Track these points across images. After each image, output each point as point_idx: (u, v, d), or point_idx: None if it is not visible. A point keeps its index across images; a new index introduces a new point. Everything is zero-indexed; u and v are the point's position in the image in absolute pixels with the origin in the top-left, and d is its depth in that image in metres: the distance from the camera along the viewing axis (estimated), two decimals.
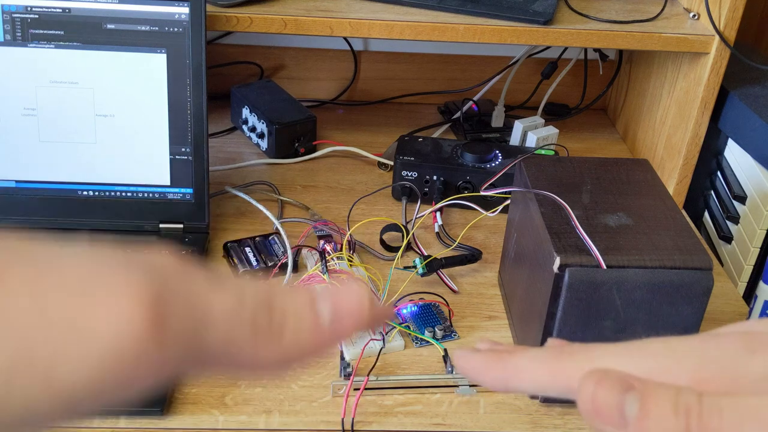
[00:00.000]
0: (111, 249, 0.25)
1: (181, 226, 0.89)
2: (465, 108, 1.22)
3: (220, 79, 1.23)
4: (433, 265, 0.84)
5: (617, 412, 0.24)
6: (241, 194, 0.96)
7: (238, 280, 0.27)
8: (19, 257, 0.22)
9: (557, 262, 0.63)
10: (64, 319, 0.21)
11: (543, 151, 1.05)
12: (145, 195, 0.89)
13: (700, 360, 0.26)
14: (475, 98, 1.23)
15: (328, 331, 0.25)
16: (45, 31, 0.83)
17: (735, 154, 1.01)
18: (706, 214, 1.07)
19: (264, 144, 1.10)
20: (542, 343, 0.67)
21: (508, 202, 0.86)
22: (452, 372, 0.73)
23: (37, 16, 0.82)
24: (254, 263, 0.85)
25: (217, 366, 0.24)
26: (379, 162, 1.10)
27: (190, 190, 0.89)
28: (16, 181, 0.87)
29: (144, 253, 0.25)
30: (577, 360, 0.27)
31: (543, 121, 1.15)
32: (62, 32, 0.83)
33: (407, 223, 0.95)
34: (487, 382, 0.29)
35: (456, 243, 0.91)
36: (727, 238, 1.01)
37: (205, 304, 0.23)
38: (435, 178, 1.00)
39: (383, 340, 0.76)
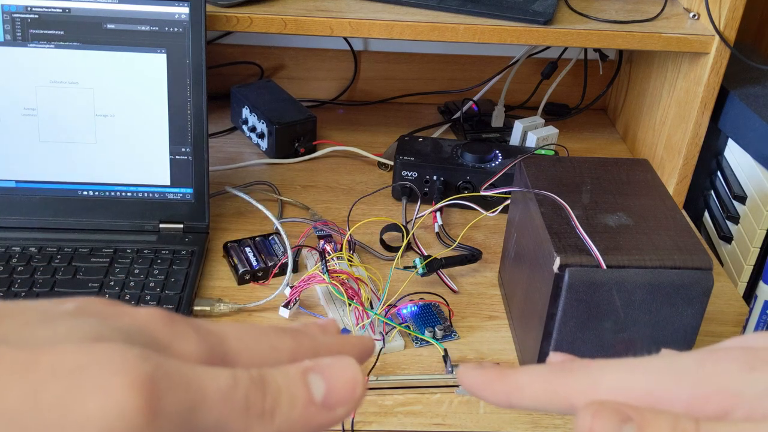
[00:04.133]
0: (101, 317, 0.24)
1: (181, 226, 0.89)
2: (465, 108, 1.22)
3: (220, 79, 1.23)
4: (433, 265, 0.84)
5: None
6: (241, 194, 0.96)
7: (230, 331, 0.26)
8: (9, 339, 0.22)
9: (557, 262, 0.63)
10: (57, 405, 0.21)
11: (543, 151, 1.05)
12: (145, 195, 0.89)
13: (699, 377, 0.26)
14: (475, 98, 1.23)
15: (320, 408, 0.25)
16: (45, 31, 0.83)
17: (735, 154, 1.01)
18: (706, 214, 1.07)
19: (264, 144, 1.10)
20: (542, 343, 0.67)
21: (508, 202, 0.86)
22: (452, 372, 0.73)
23: (37, 16, 0.82)
24: (254, 263, 0.85)
25: None
26: (379, 162, 1.10)
27: (190, 190, 0.89)
28: (16, 181, 0.87)
29: (134, 317, 0.25)
30: (577, 377, 0.27)
31: (543, 121, 1.15)
32: (62, 32, 0.83)
33: (407, 223, 0.95)
34: (490, 398, 0.29)
35: (456, 243, 0.91)
36: (727, 238, 1.01)
37: (199, 383, 0.23)
38: (435, 178, 1.00)
39: (383, 340, 0.76)
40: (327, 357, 0.26)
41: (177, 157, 0.88)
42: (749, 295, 0.96)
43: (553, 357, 0.30)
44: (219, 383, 0.23)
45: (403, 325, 0.78)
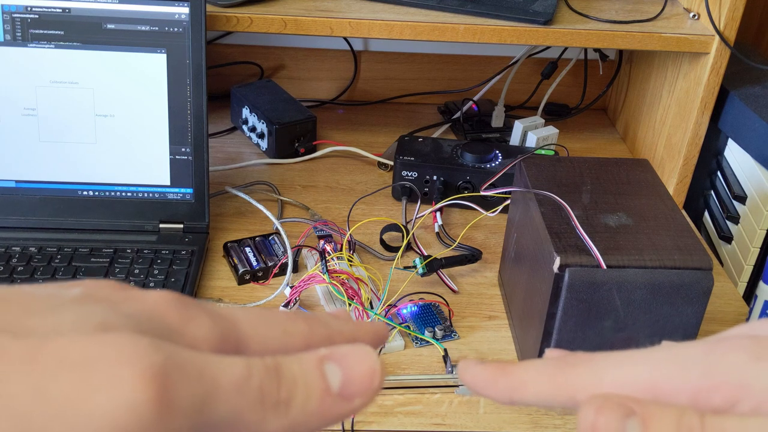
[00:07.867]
0: (109, 303, 0.23)
1: (181, 226, 0.88)
2: (465, 108, 1.22)
3: (220, 79, 1.23)
4: (433, 265, 0.84)
5: None
6: (241, 194, 0.96)
7: (242, 316, 0.25)
8: (13, 328, 0.21)
9: (557, 262, 0.63)
10: (64, 399, 0.20)
11: (543, 151, 1.05)
12: (145, 195, 0.89)
13: (705, 368, 0.25)
14: (475, 98, 1.23)
15: (337, 398, 0.24)
16: (45, 31, 0.83)
17: (735, 154, 1.01)
18: (706, 214, 1.07)
19: (264, 144, 1.10)
20: (542, 343, 0.67)
21: (508, 202, 0.86)
22: (452, 372, 0.73)
23: (37, 16, 0.82)
24: (254, 263, 0.85)
25: None
26: (379, 162, 1.10)
27: (190, 190, 0.89)
28: (16, 181, 0.87)
29: (144, 301, 0.24)
30: (580, 371, 0.27)
31: (543, 121, 1.15)
32: (62, 32, 0.83)
33: (407, 223, 0.95)
34: (492, 395, 0.28)
35: (456, 243, 0.91)
36: (727, 238, 1.01)
37: (212, 373, 0.22)
38: (435, 178, 1.00)
39: None
40: (343, 345, 0.25)
41: (177, 157, 0.88)
42: (749, 295, 0.96)
43: (550, 353, 0.30)
44: (233, 373, 0.22)
45: (403, 325, 0.78)
